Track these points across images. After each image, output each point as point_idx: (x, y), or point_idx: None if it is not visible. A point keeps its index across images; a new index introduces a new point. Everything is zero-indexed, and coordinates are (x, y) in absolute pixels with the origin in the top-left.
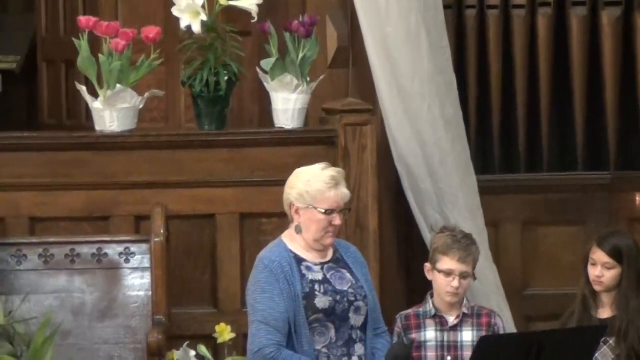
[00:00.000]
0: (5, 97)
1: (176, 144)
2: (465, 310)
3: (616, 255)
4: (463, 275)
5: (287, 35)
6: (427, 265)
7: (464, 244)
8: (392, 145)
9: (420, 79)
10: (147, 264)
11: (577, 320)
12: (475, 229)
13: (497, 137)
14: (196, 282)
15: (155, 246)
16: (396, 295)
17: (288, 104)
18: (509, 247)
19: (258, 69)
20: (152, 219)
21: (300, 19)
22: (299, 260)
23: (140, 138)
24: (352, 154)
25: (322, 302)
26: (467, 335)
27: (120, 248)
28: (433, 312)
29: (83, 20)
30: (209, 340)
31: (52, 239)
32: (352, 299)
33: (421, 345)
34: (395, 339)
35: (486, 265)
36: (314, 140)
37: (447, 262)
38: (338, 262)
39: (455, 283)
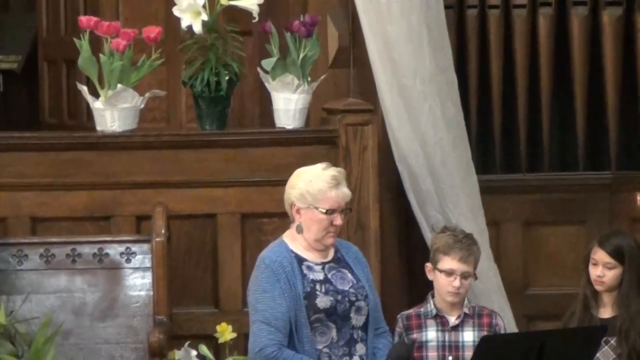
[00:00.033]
0: (6, 96)
1: (177, 143)
2: (466, 310)
3: (617, 255)
4: (464, 275)
5: (288, 35)
6: (428, 265)
7: (465, 243)
8: (393, 145)
9: (421, 78)
10: (148, 263)
11: (578, 320)
12: (476, 229)
13: (498, 137)
14: (197, 282)
15: (156, 246)
16: (397, 295)
17: (289, 104)
18: (510, 246)
19: (259, 69)
20: (153, 219)
21: (301, 19)
22: (300, 260)
23: (141, 138)
24: (353, 153)
25: (323, 301)
26: (468, 336)
27: (121, 248)
28: (434, 312)
29: (84, 20)
30: (210, 340)
31: (53, 239)
32: (353, 298)
33: (422, 346)
34: (397, 339)
35: (487, 265)
36: (315, 140)
37: (448, 262)
38: (339, 262)
39: (457, 283)
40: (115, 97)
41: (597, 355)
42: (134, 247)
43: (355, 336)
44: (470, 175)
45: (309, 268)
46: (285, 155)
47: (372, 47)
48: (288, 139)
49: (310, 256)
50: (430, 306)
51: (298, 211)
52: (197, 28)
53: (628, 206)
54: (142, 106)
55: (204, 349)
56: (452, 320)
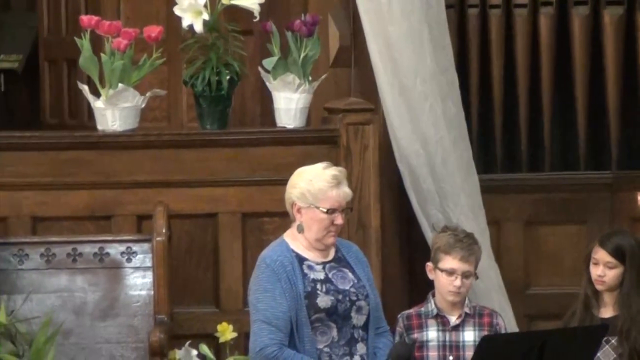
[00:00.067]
0: (7, 96)
1: (178, 143)
2: (467, 310)
3: (618, 254)
4: (465, 275)
5: (289, 34)
6: (429, 265)
7: (466, 243)
8: (394, 144)
9: (422, 78)
10: (149, 263)
11: (579, 320)
12: (477, 229)
13: (499, 137)
14: (198, 282)
15: (157, 245)
16: (398, 294)
17: (290, 103)
18: (511, 246)
19: (260, 68)
20: (154, 218)
21: (302, 18)
22: (301, 260)
23: (142, 137)
24: (354, 153)
25: (324, 301)
26: (469, 335)
27: (122, 247)
28: (435, 311)
29: (85, 19)
30: (211, 339)
31: (54, 238)
32: (354, 298)
33: (423, 345)
34: (397, 339)
35: (488, 265)
36: (316, 140)
37: (449, 261)
38: (340, 261)
39: (458, 282)
40: (116, 97)
41: (598, 354)
42: (135, 247)
43: (355, 336)
44: (471, 174)
45: (310, 267)
46: (286, 155)
47: (373, 47)
48: (289, 138)
49: (311, 255)
50: (431, 306)
51: (299, 210)
52: (198, 27)
53: (629, 206)
54: (143, 105)
55: (204, 349)
56: (453, 319)
